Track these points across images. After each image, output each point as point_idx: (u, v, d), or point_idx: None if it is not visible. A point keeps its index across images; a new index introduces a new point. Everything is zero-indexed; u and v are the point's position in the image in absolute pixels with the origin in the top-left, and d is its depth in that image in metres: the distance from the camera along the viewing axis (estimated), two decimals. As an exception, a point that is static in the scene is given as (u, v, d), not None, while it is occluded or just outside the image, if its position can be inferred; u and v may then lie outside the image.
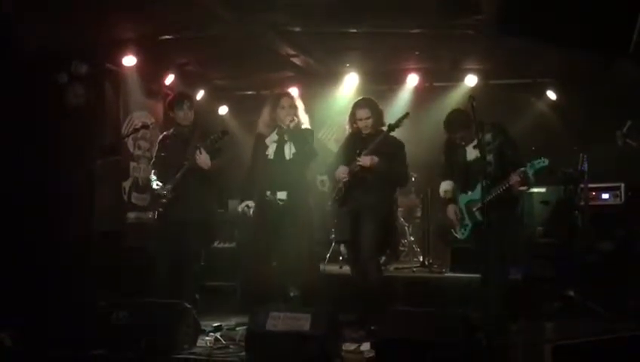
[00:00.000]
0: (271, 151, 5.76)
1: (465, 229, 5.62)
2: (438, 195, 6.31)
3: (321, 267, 7.83)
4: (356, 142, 5.84)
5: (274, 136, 5.79)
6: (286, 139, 5.71)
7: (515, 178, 5.19)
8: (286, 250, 5.58)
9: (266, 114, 5.84)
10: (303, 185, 5.80)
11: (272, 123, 5.79)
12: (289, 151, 5.68)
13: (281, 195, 5.61)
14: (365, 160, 5.59)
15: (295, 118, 5.69)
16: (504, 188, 5.26)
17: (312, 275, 5.88)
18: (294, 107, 5.78)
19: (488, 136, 5.41)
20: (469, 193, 5.52)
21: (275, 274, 5.75)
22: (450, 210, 5.67)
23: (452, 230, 5.77)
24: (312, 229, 5.95)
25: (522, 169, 5.17)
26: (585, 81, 7.98)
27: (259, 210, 5.74)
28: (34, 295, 5.57)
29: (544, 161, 5.23)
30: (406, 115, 5.71)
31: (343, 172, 5.75)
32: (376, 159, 5.57)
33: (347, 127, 5.99)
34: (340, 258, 8.02)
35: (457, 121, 5.47)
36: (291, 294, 5.85)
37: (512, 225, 5.57)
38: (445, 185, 5.75)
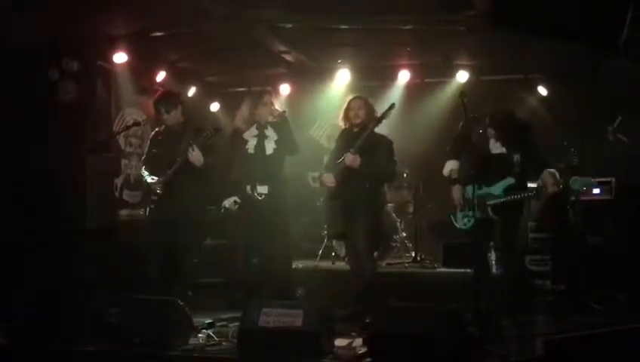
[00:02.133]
0: (251, 146, 5.84)
1: (468, 220, 5.59)
2: (430, 191, 6.33)
3: (314, 263, 7.85)
4: (348, 138, 5.87)
5: (253, 131, 5.88)
6: (267, 134, 5.83)
7: (554, 188, 5.24)
8: (265, 245, 5.71)
9: (245, 110, 5.95)
10: (283, 179, 5.91)
11: (250, 119, 5.90)
12: (270, 145, 5.80)
13: (262, 190, 5.72)
14: (348, 159, 5.61)
15: (276, 112, 5.83)
16: (535, 192, 5.31)
17: (286, 267, 5.95)
18: (274, 105, 5.91)
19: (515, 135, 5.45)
20: (485, 187, 5.45)
21: (257, 271, 5.81)
22: (456, 191, 5.63)
23: (451, 216, 5.75)
24: (288, 224, 6.01)
25: (552, 172, 5.24)
26: (576, 76, 7.99)
27: (240, 206, 5.82)
28: (26, 292, 5.56)
29: (592, 182, 5.23)
30: (392, 107, 5.68)
31: (329, 180, 5.79)
32: (358, 160, 5.59)
33: (341, 123, 6.01)
34: (333, 254, 8.03)
35: (507, 122, 5.52)
36: (297, 294, 5.86)
37: (520, 223, 5.58)
38: (452, 164, 5.71)
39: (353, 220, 5.67)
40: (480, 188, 5.43)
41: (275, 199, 5.76)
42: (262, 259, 5.89)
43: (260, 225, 5.72)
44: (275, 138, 5.84)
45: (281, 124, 5.85)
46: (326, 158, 8.50)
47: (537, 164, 5.38)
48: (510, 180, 5.39)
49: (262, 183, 5.73)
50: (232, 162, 5.96)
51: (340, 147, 5.89)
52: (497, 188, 5.39)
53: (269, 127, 5.88)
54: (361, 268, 5.69)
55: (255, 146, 5.83)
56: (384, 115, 5.65)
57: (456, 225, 5.72)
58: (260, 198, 5.71)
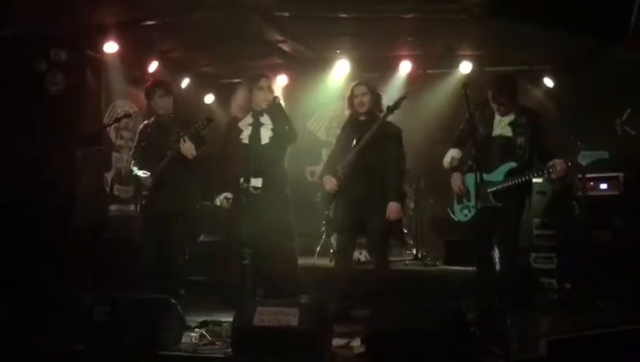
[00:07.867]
0: (245, 135, 5.63)
1: (468, 211, 5.53)
2: (431, 186, 6.31)
3: (312, 261, 7.85)
4: (353, 127, 5.80)
5: (248, 119, 5.68)
6: (262, 122, 5.63)
7: (561, 166, 5.06)
8: (262, 242, 5.37)
9: (241, 96, 5.74)
10: (280, 171, 5.67)
11: (247, 105, 5.70)
12: (266, 134, 5.60)
13: (256, 183, 5.43)
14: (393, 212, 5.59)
15: (273, 97, 5.58)
16: (542, 174, 5.23)
17: (289, 267, 5.71)
18: (272, 90, 5.69)
19: (523, 118, 5.35)
20: (485, 175, 5.25)
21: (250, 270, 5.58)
22: (456, 178, 5.56)
23: (449, 209, 5.70)
24: (289, 219, 5.76)
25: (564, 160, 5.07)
26: (582, 67, 7.99)
27: (233, 200, 5.60)
28: (13, 290, 5.58)
29: (604, 154, 5.07)
30: (404, 97, 5.69)
31: (330, 184, 5.75)
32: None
33: (346, 111, 5.95)
34: (331, 251, 8.04)
35: (509, 86, 5.40)
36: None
37: (521, 214, 5.49)
38: (454, 152, 5.59)
39: (366, 218, 5.64)
40: (480, 176, 5.19)
41: (271, 192, 5.51)
42: (259, 258, 5.40)
43: (256, 220, 5.34)
44: (271, 126, 5.61)
45: (275, 110, 5.60)
46: (324, 152, 8.52)
47: (543, 153, 5.27)
48: (511, 164, 5.28)
49: (256, 176, 5.43)
50: (227, 154, 5.74)
51: (347, 136, 5.81)
52: (498, 174, 5.32)
53: (265, 115, 5.65)
54: (375, 266, 5.71)
55: (250, 136, 5.60)
56: (396, 106, 5.60)
57: (454, 218, 5.66)
58: (254, 192, 5.40)
